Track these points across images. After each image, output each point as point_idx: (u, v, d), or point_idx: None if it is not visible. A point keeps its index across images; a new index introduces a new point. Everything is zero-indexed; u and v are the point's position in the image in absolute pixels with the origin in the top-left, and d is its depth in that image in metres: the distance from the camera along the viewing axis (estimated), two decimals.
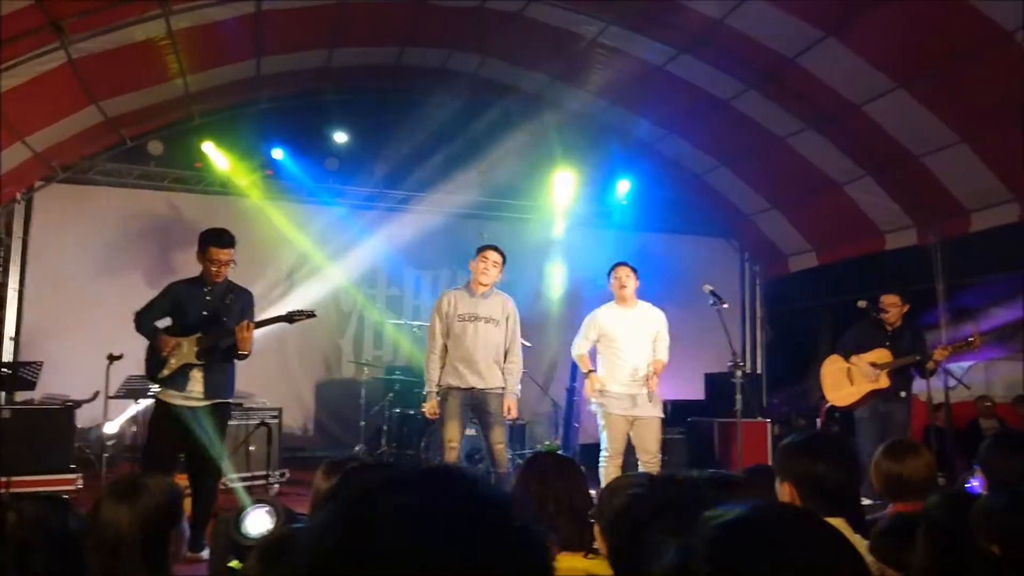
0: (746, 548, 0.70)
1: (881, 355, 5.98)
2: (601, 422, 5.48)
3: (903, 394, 6.02)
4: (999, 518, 1.70)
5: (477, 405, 5.22)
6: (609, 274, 5.74)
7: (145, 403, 7.75)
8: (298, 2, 7.46)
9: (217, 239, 4.69)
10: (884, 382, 5.93)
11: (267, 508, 2.16)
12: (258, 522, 2.13)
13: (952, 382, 8.66)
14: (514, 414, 5.33)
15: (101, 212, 9.05)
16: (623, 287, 5.58)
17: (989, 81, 6.68)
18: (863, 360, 6.04)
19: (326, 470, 2.21)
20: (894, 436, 5.39)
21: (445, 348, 5.29)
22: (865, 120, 7.80)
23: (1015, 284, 7.99)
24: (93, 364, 7.65)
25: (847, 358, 6.20)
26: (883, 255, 9.11)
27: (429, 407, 5.29)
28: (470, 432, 7.04)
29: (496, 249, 5.38)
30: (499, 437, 5.19)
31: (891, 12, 6.59)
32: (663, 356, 5.59)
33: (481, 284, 5.31)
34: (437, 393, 5.26)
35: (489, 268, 5.29)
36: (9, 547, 1.54)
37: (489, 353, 5.23)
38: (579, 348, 5.67)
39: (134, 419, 7.91)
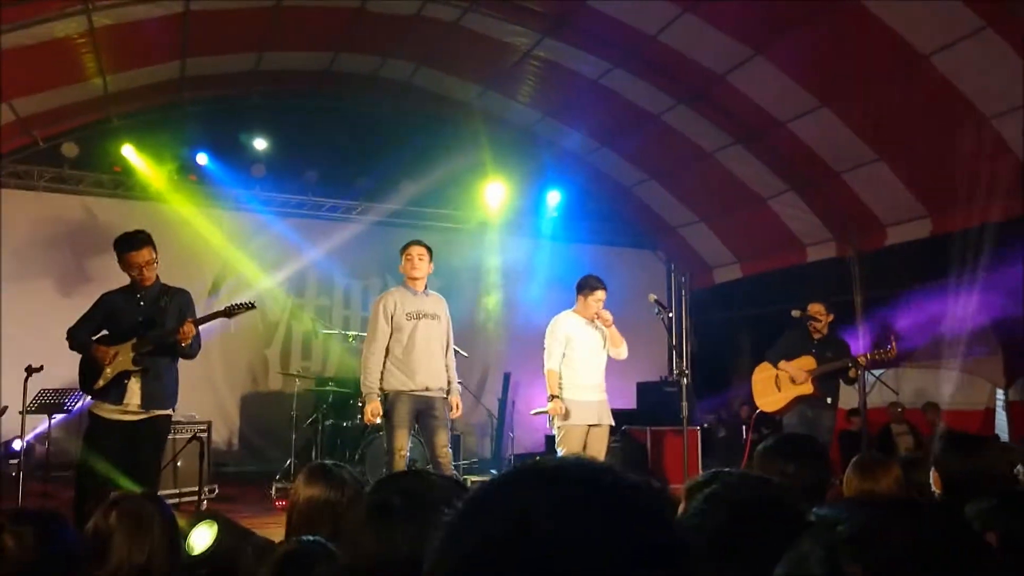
0: (898, 551, 0.69)
1: (807, 363, 6.20)
2: (558, 433, 5.41)
3: (830, 400, 6.22)
4: (994, 516, 1.77)
5: (422, 410, 5.07)
6: (587, 291, 5.50)
7: (59, 418, 7.35)
8: (228, 3, 7.25)
9: (129, 243, 4.47)
10: (808, 388, 6.13)
11: (207, 522, 2.06)
12: (201, 537, 2.03)
13: (868, 388, 9.08)
14: (459, 412, 5.20)
15: (9, 216, 8.51)
16: (597, 311, 5.47)
17: (905, 102, 7.04)
18: (790, 367, 6.25)
19: (310, 477, 2.12)
20: (820, 440, 5.59)
21: (386, 350, 5.10)
22: (789, 137, 8.10)
23: (927, 295, 8.41)
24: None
25: (775, 365, 6.40)
26: (804, 267, 9.47)
27: (371, 409, 4.98)
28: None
29: (418, 243, 5.23)
30: (444, 440, 5.04)
31: (815, 33, 6.88)
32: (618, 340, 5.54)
33: (414, 279, 5.18)
34: (379, 395, 5.03)
35: (415, 262, 5.14)
36: (10, 570, 1.41)
37: (436, 351, 5.14)
38: (554, 362, 5.43)
39: (46, 436, 7.46)
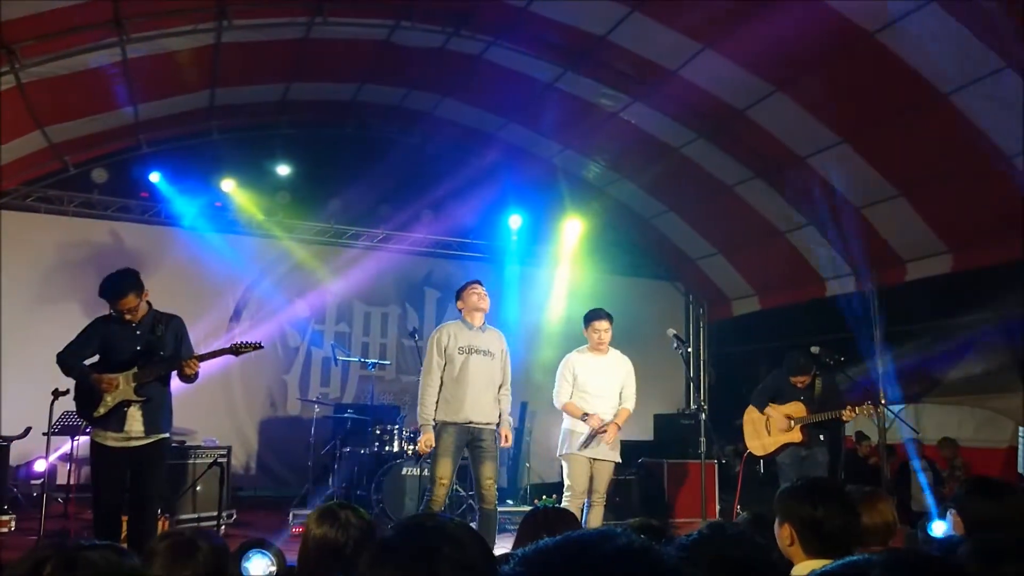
0: None
1: (796, 409, 6.10)
2: (565, 464, 5.51)
3: (822, 438, 6.14)
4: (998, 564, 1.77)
5: (471, 440, 5.19)
6: (587, 323, 5.71)
7: (82, 440, 7.45)
8: (258, 36, 7.42)
9: (111, 294, 4.42)
10: (797, 436, 6.05)
11: (266, 552, 2.10)
12: (259, 566, 2.06)
13: (888, 424, 9.00)
14: (509, 442, 5.36)
15: (39, 240, 8.70)
16: (601, 341, 5.62)
17: (925, 139, 7.05)
18: (780, 412, 6.17)
19: (320, 518, 2.15)
20: (816, 476, 5.50)
21: (441, 382, 5.23)
22: (809, 172, 8.13)
23: (947, 331, 8.35)
24: (23, 398, 7.31)
25: (762, 409, 6.31)
26: (823, 301, 9.44)
27: (424, 440, 5.15)
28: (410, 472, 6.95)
29: (479, 282, 5.44)
30: (489, 472, 5.14)
31: (836, 71, 6.93)
32: (629, 405, 5.64)
33: (478, 310, 5.32)
34: (433, 427, 5.18)
35: (484, 296, 5.33)
36: None
37: (486, 386, 5.23)
38: (563, 397, 5.63)
39: (69, 456, 7.55)
